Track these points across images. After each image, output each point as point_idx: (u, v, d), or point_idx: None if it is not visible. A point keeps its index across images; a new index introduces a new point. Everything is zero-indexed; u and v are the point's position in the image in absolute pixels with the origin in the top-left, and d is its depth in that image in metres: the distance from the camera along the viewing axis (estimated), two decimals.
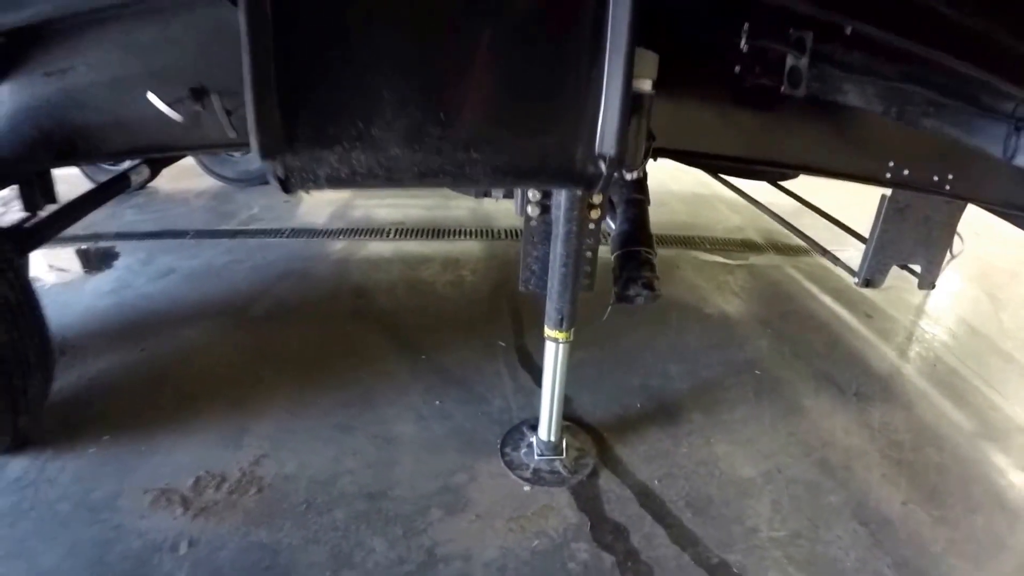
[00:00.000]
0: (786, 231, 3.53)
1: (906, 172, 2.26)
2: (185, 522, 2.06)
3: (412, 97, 1.25)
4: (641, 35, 1.31)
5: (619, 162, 1.33)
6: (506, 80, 1.32)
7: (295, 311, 3.29)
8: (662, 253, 4.06)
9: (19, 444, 2.34)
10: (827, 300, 3.71)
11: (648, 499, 2.20)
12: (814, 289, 3.84)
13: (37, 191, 2.59)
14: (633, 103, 1.38)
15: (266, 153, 1.20)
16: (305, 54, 1.20)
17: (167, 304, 3.31)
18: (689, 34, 1.73)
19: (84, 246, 3.94)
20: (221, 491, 2.17)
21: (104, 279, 3.58)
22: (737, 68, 1.75)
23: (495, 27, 1.26)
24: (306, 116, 1.22)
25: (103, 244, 3.98)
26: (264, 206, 4.71)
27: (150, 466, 2.28)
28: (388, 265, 3.83)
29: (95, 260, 3.79)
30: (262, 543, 1.99)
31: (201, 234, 4.14)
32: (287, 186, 1.25)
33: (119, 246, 3.96)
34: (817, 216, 3.56)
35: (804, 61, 1.58)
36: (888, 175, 2.24)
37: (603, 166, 1.33)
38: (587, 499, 2.18)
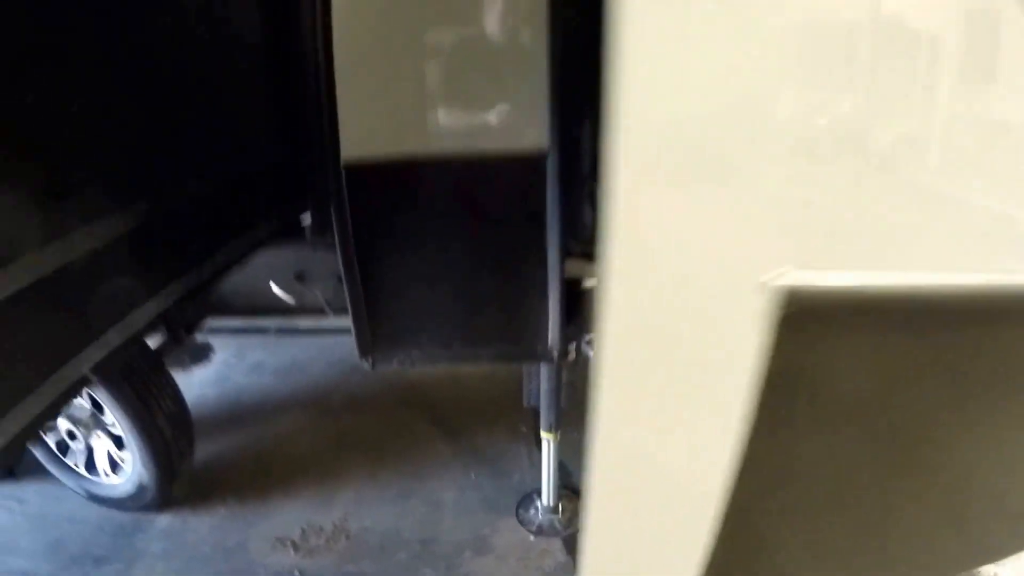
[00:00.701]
0: None
1: None
2: (297, 559, 3.30)
3: (445, 326, 2.59)
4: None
5: (563, 352, 2.64)
6: (493, 318, 2.65)
7: (364, 401, 4.53)
8: None
9: (165, 503, 3.61)
10: None
11: None
12: None
13: (182, 330, 3.95)
14: (586, 295, 2.70)
15: (362, 353, 2.56)
16: (382, 310, 2.56)
17: (262, 395, 4.62)
18: None
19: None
20: (320, 538, 3.41)
21: (207, 372, 4.94)
22: None
23: (491, 300, 2.60)
24: (383, 337, 2.59)
25: (198, 338, 5.32)
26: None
27: (267, 521, 3.53)
28: None
29: (196, 354, 5.16)
30: (351, 574, 3.24)
31: (282, 331, 5.43)
32: (373, 368, 2.61)
33: (212, 339, 5.31)
34: None
35: None
36: None
37: (555, 354, 2.64)
38: (574, 546, 3.34)
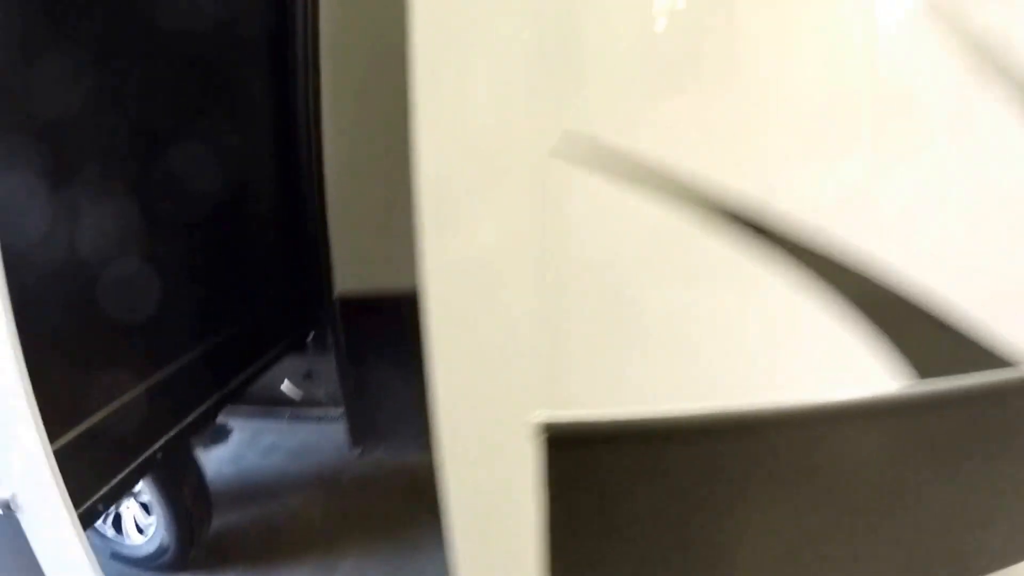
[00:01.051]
0: None
1: None
2: None
3: (423, 424, 3.37)
4: None
5: None
6: None
7: (367, 483, 5.09)
8: None
9: (183, 566, 4.25)
10: None
11: None
12: None
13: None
14: None
15: (355, 442, 3.34)
16: (370, 410, 3.34)
17: (274, 474, 5.28)
18: None
19: None
20: None
21: (225, 451, 5.58)
22: None
23: None
24: (371, 431, 3.36)
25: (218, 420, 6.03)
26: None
27: None
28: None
29: (215, 435, 5.86)
30: None
31: (295, 416, 5.98)
32: (361, 456, 3.39)
33: (230, 422, 5.97)
34: None
35: None
36: None
37: None
38: None
